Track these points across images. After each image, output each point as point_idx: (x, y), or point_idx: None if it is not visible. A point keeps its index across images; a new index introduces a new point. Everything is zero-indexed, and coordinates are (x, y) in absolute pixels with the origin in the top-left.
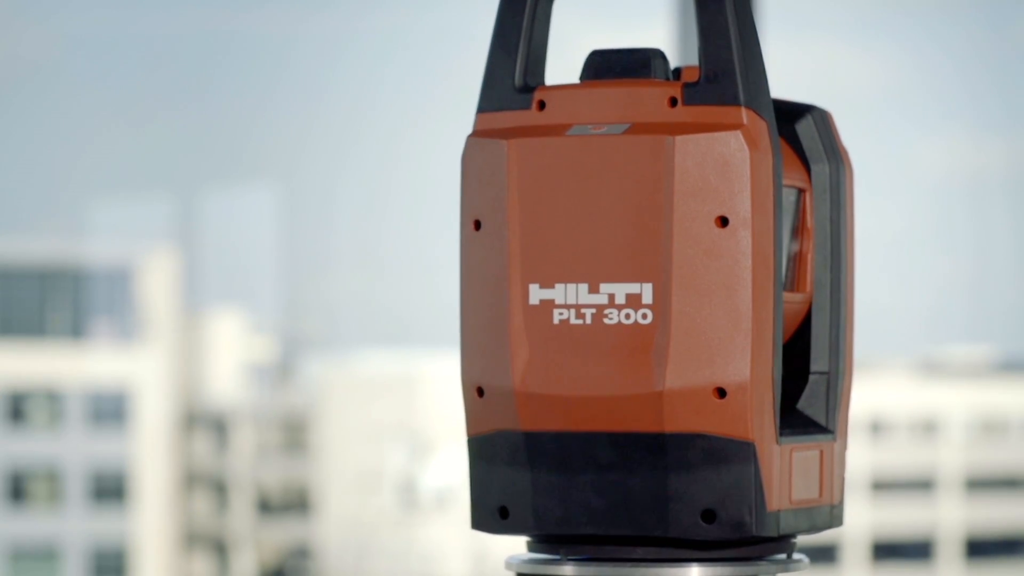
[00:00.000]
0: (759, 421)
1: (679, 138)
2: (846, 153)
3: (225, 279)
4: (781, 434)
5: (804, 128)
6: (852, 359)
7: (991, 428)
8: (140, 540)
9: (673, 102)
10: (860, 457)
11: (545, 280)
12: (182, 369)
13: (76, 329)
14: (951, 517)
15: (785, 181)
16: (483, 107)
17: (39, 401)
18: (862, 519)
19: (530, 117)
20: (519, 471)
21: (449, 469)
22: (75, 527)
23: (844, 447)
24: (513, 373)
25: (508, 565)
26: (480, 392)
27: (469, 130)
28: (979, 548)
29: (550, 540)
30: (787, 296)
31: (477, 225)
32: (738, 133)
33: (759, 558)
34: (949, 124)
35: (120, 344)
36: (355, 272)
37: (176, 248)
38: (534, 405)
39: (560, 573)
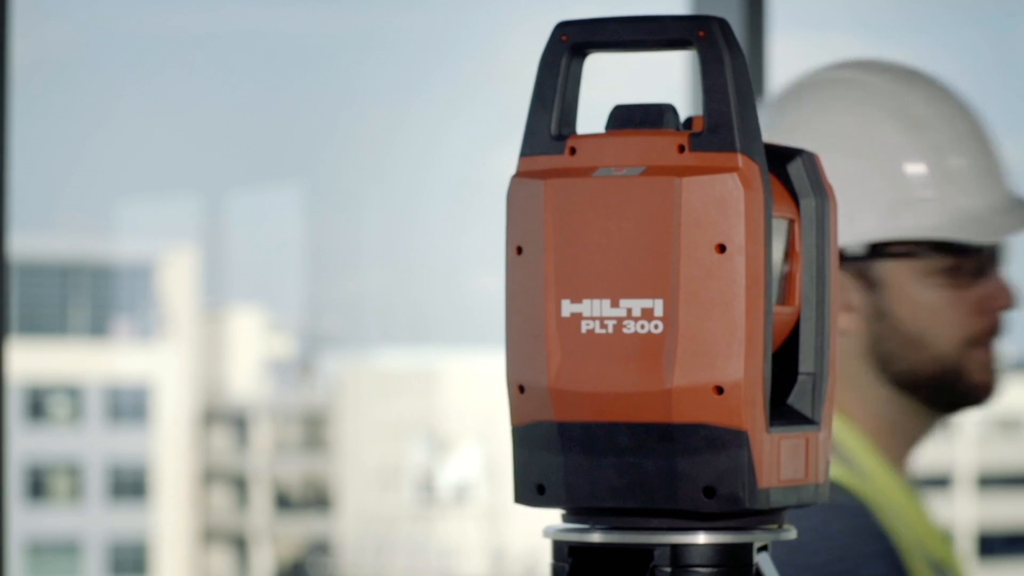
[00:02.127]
0: (751, 413)
1: (685, 179)
2: (831, 189)
3: (247, 277)
4: (771, 425)
5: (794, 168)
6: (836, 362)
7: (1006, 426)
8: (160, 535)
9: (681, 149)
10: None
11: (575, 296)
12: (202, 365)
13: (98, 326)
14: (966, 514)
15: (777, 213)
16: (525, 152)
17: (60, 397)
18: None
19: (563, 161)
20: (553, 455)
21: (468, 465)
22: (95, 522)
23: (828, 436)
24: (548, 373)
25: (546, 533)
26: (521, 389)
27: (491, 130)
28: (994, 544)
29: (581, 512)
30: (779, 309)
31: (519, 251)
32: (734, 175)
33: (754, 528)
34: None
35: (141, 341)
36: (375, 270)
37: (198, 246)
38: (566, 400)
39: (590, 539)
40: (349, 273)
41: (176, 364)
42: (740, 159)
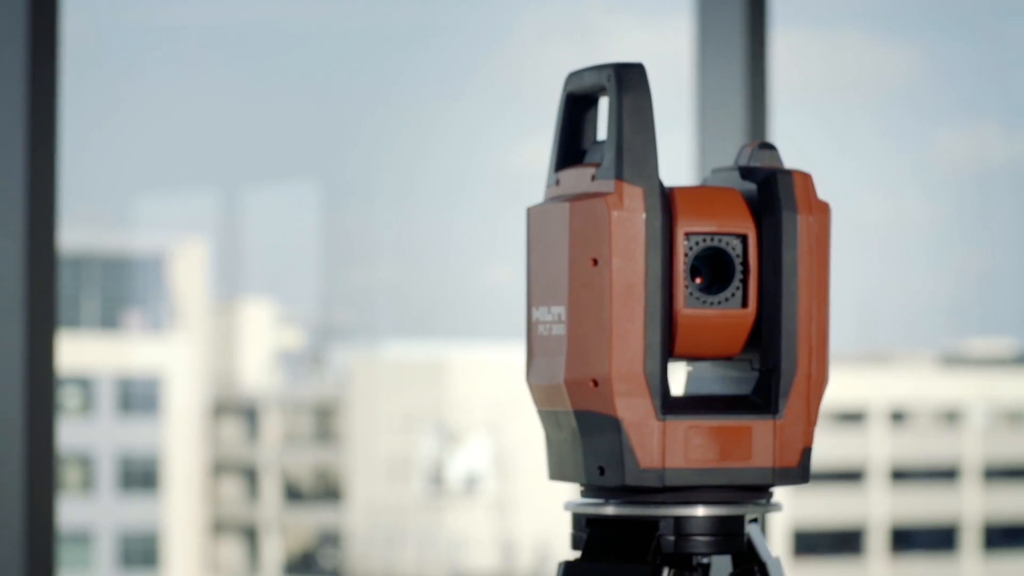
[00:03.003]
0: (625, 403)
1: (572, 203)
2: (818, 205)
3: (259, 269)
4: (670, 412)
5: (763, 187)
6: (812, 359)
7: (1013, 418)
8: (170, 526)
9: (592, 178)
10: (882, 447)
11: (535, 303)
12: (214, 357)
13: (109, 317)
14: (972, 506)
15: (723, 228)
16: (547, 185)
17: (71, 388)
18: (883, 507)
19: (551, 192)
20: (547, 437)
21: (477, 457)
22: (106, 513)
23: (799, 425)
24: (528, 369)
25: (566, 507)
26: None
27: (503, 123)
28: (1000, 537)
29: (596, 489)
30: (733, 311)
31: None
32: (603, 199)
33: (745, 502)
34: (974, 116)
35: (153, 332)
36: (386, 262)
37: (211, 238)
38: (537, 391)
39: (604, 512)
40: (360, 265)
41: (187, 356)
42: (616, 185)
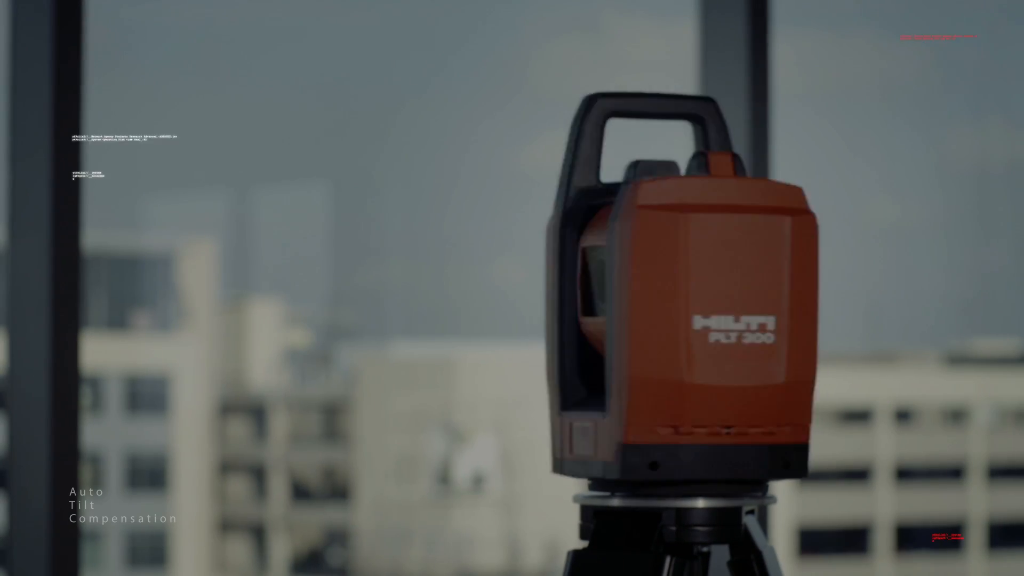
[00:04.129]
0: (552, 399)
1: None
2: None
3: (269, 269)
4: (564, 409)
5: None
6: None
7: (1019, 417)
8: (178, 525)
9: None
10: (887, 446)
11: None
12: (222, 357)
13: (117, 317)
14: (977, 504)
15: (596, 242)
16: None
17: (81, 388)
18: (889, 506)
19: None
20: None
21: (485, 456)
22: (115, 511)
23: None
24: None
25: (575, 499)
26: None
27: (515, 123)
28: (1004, 535)
29: (601, 483)
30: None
31: None
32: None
33: (743, 495)
34: (981, 116)
35: (161, 332)
36: (394, 261)
37: (219, 238)
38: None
39: (610, 504)
40: (368, 265)
41: (195, 355)
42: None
